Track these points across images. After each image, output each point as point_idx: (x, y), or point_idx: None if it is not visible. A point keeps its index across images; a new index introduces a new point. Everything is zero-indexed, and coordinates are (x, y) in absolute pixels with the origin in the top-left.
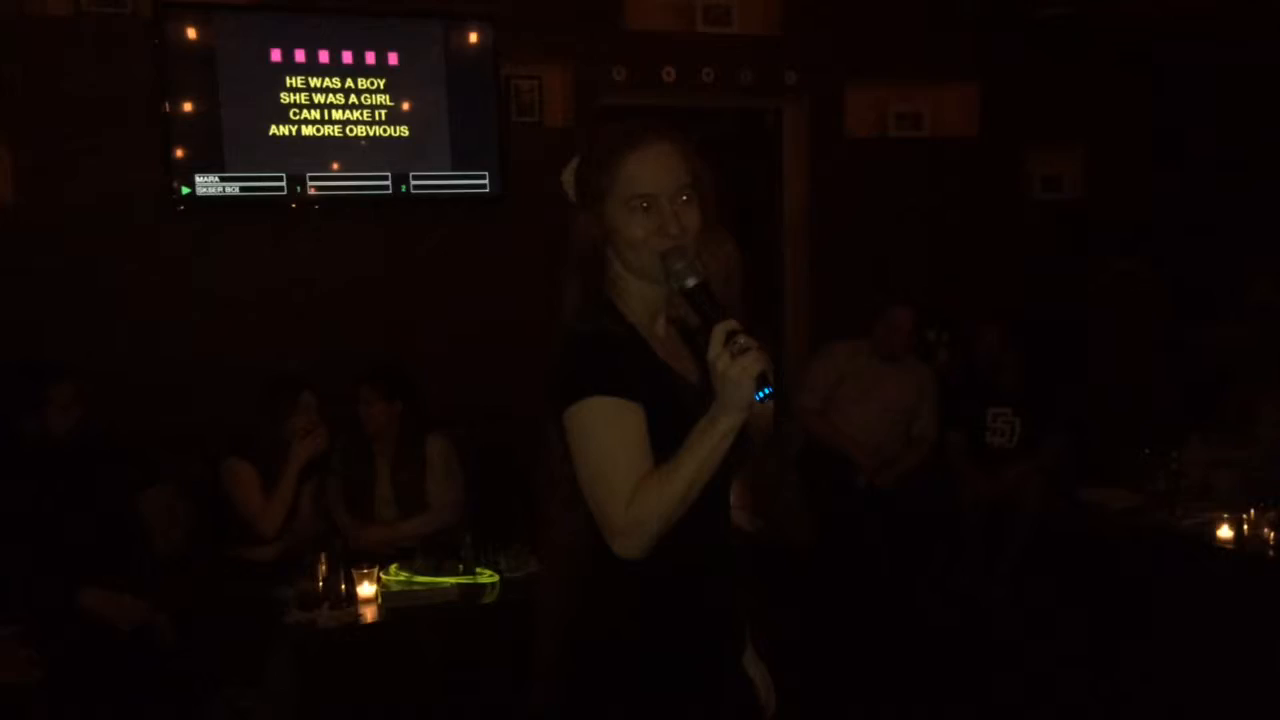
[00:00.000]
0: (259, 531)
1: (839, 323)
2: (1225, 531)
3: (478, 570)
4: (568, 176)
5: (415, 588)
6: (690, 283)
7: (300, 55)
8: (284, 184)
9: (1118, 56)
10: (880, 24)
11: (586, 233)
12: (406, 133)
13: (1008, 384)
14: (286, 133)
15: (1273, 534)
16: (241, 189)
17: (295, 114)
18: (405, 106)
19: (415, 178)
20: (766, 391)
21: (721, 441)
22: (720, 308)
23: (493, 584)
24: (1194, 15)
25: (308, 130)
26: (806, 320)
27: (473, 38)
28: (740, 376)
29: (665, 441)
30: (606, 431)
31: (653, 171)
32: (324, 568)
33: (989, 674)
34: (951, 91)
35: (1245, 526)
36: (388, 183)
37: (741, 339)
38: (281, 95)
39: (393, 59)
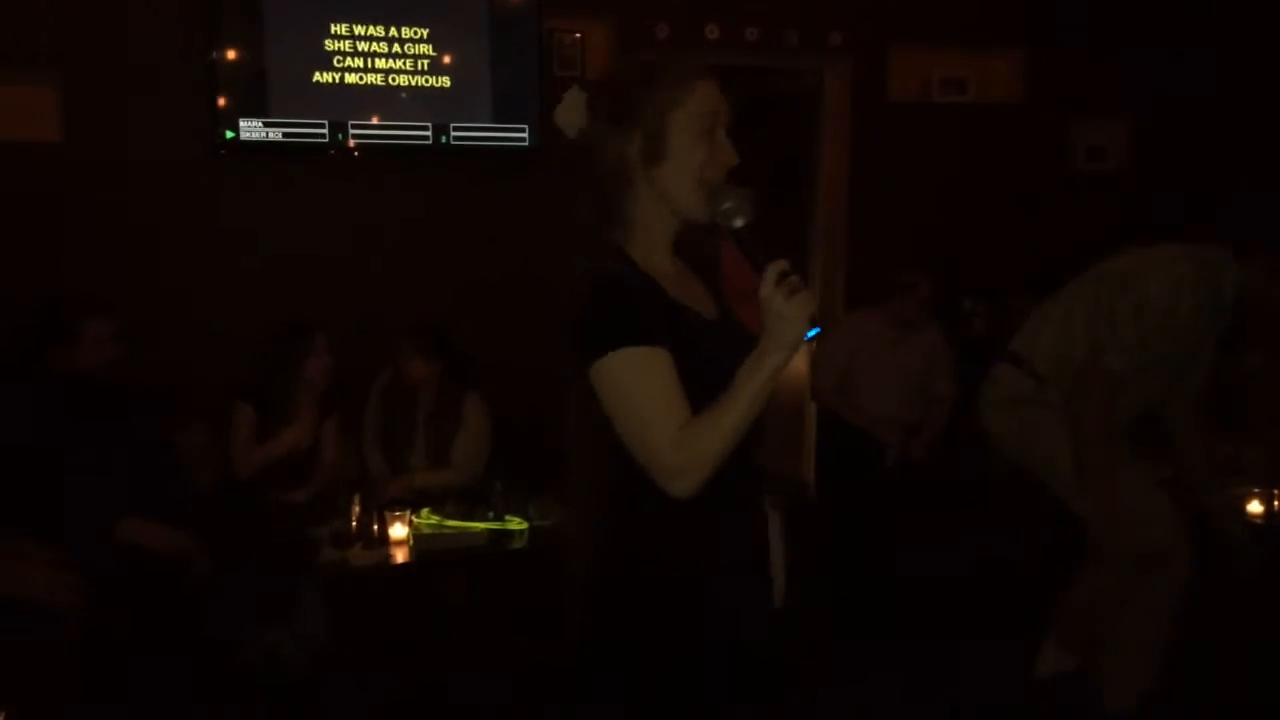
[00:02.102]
0: (234, 471)
1: (874, 291)
2: (1256, 506)
3: (507, 517)
4: (574, 103)
5: (446, 531)
6: (739, 222)
7: (346, 3)
8: (326, 131)
9: (1169, 27)
10: None
11: (617, 151)
12: (448, 83)
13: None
14: (330, 80)
15: None
16: (285, 135)
17: (339, 61)
18: (446, 58)
19: (455, 129)
20: (815, 331)
21: (770, 378)
22: (768, 248)
23: (521, 531)
24: None
25: (351, 78)
26: (842, 289)
27: None
28: (796, 314)
29: (688, 379)
30: (643, 381)
31: (717, 97)
32: (358, 508)
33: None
34: (997, 58)
35: (1275, 502)
36: (428, 133)
37: (794, 278)
38: (326, 43)
39: (436, 9)
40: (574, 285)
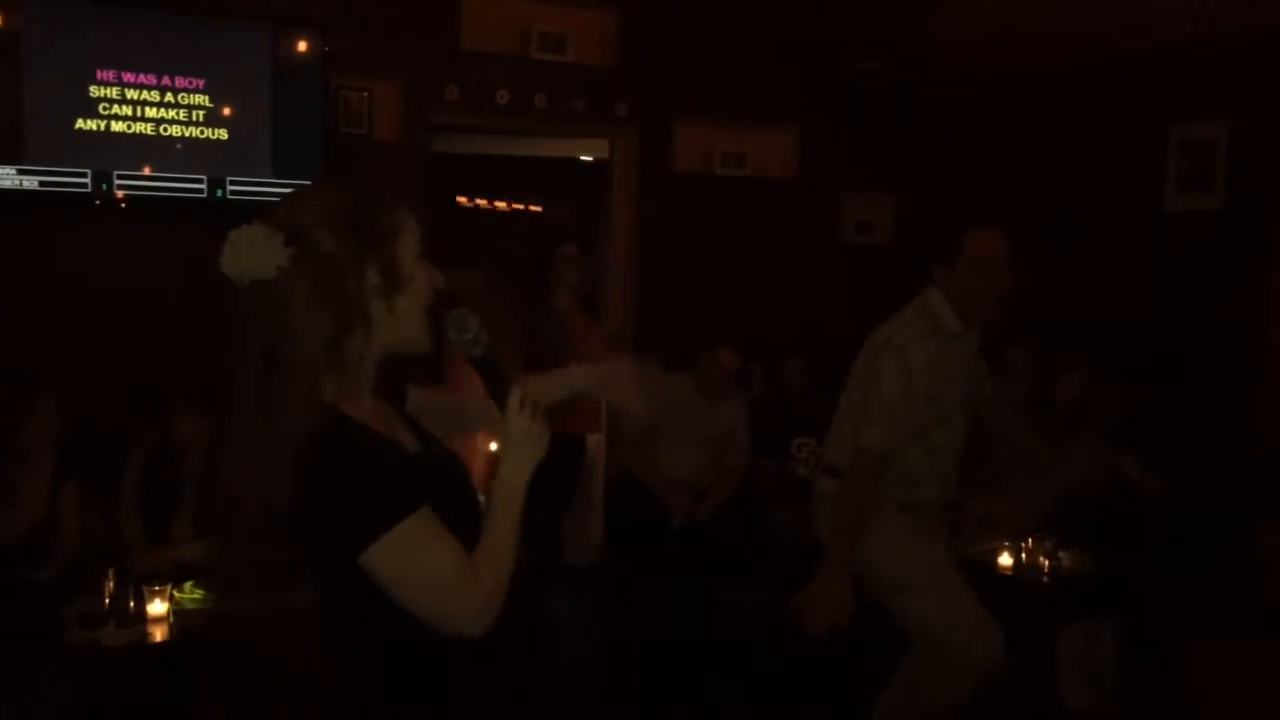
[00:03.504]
0: None
1: (657, 346)
2: (1005, 559)
3: None
4: (262, 240)
5: (211, 606)
6: (478, 351)
7: (114, 48)
8: (89, 181)
9: (926, 111)
10: (709, 64)
11: (358, 282)
12: (225, 136)
13: (812, 415)
14: (95, 127)
15: (1047, 561)
16: (41, 183)
17: (105, 108)
18: (225, 110)
19: (233, 183)
20: None
21: (522, 495)
22: (506, 373)
23: None
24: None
25: (118, 126)
26: (629, 342)
27: (301, 45)
28: (542, 433)
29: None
30: (430, 545)
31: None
32: (111, 583)
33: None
34: (774, 134)
35: (1024, 554)
36: (203, 186)
37: (533, 402)
38: (91, 89)
39: (215, 60)
40: (282, 461)
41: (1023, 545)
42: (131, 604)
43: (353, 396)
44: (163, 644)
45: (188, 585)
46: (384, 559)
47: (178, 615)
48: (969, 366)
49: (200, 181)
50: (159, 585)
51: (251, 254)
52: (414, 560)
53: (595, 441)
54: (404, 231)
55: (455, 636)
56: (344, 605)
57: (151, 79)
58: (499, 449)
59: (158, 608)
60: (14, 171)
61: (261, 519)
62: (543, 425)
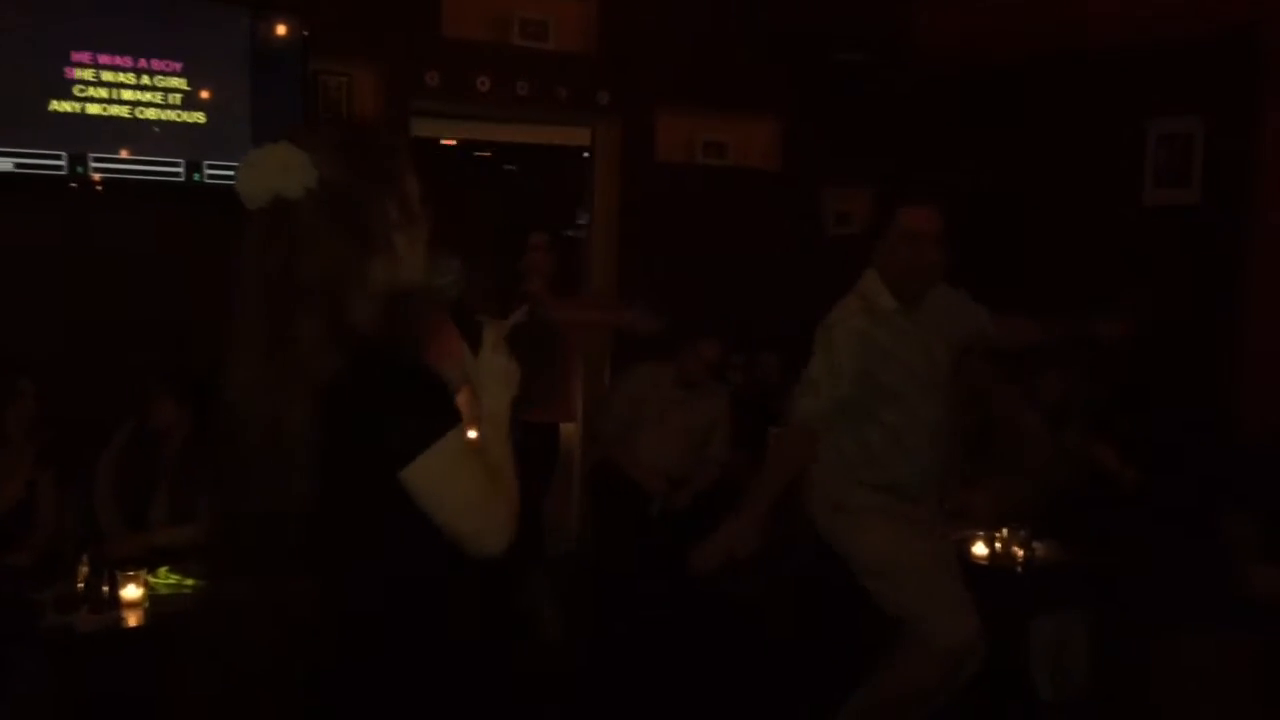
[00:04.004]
0: None
1: (642, 345)
2: (980, 549)
3: None
4: (286, 159)
5: (187, 591)
6: (456, 293)
7: (90, 30)
8: (64, 163)
9: (907, 101)
10: (692, 53)
11: (381, 210)
12: (203, 119)
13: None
14: (70, 109)
15: (1021, 552)
16: (16, 165)
17: (80, 90)
18: (203, 94)
19: (210, 166)
20: None
21: (507, 422)
22: (477, 316)
23: None
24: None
25: (94, 109)
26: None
27: (281, 29)
28: (514, 370)
29: None
30: (470, 458)
31: None
32: (86, 568)
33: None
34: (756, 124)
35: (997, 544)
36: (180, 169)
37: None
38: (66, 69)
39: (192, 43)
40: (304, 386)
41: (997, 536)
42: (106, 589)
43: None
44: (137, 629)
45: (162, 570)
46: (429, 470)
47: (153, 600)
48: (923, 347)
49: (178, 165)
50: (134, 570)
51: (280, 173)
52: (458, 471)
53: (569, 430)
54: (409, 173)
55: (480, 554)
56: (360, 538)
57: (128, 61)
58: (476, 386)
59: (132, 592)
60: None
61: (273, 442)
62: (514, 363)
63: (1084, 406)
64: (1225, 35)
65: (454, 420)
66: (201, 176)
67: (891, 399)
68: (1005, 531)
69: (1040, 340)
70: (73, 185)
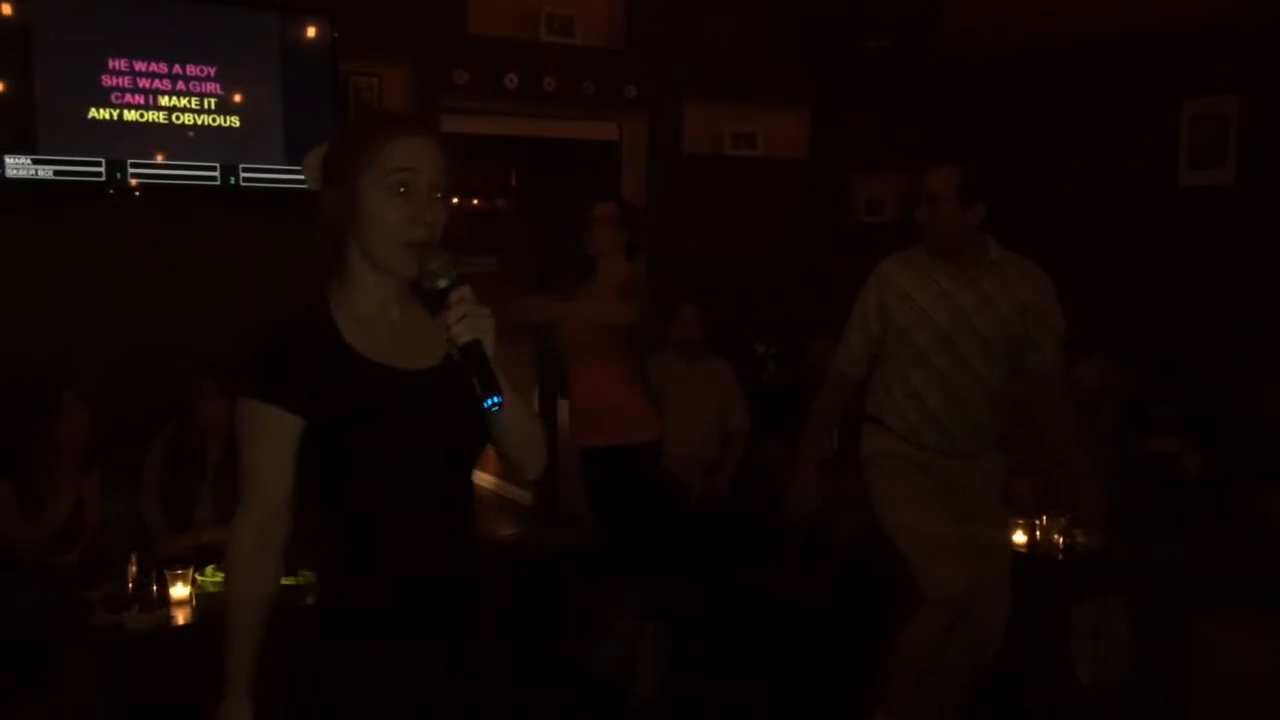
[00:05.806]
0: (18, 554)
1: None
2: (1020, 536)
3: (300, 572)
4: (312, 160)
5: None
6: (442, 283)
7: (125, 37)
8: (103, 170)
9: (936, 87)
10: (719, 45)
11: (331, 210)
12: (237, 123)
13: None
14: (107, 116)
15: (1061, 539)
16: (56, 173)
17: (118, 97)
18: (236, 97)
19: (245, 170)
20: (495, 401)
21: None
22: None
23: (312, 584)
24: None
25: (130, 115)
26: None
27: (310, 31)
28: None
29: (376, 431)
30: (256, 435)
31: (414, 154)
32: (134, 568)
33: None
34: (784, 115)
35: (1038, 532)
36: (216, 173)
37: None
38: (103, 77)
39: (224, 47)
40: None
41: (1037, 524)
42: (154, 588)
43: (363, 306)
44: (185, 627)
45: (209, 569)
46: (239, 418)
47: (200, 599)
48: (954, 302)
49: (214, 169)
50: (181, 569)
51: (307, 170)
52: (246, 434)
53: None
54: (372, 165)
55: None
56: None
57: (163, 67)
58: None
59: (180, 591)
60: (29, 161)
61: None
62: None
63: (1120, 394)
64: (1260, 13)
65: (282, 400)
66: (237, 180)
67: (918, 360)
68: (1045, 520)
69: (1048, 439)
70: (111, 192)
